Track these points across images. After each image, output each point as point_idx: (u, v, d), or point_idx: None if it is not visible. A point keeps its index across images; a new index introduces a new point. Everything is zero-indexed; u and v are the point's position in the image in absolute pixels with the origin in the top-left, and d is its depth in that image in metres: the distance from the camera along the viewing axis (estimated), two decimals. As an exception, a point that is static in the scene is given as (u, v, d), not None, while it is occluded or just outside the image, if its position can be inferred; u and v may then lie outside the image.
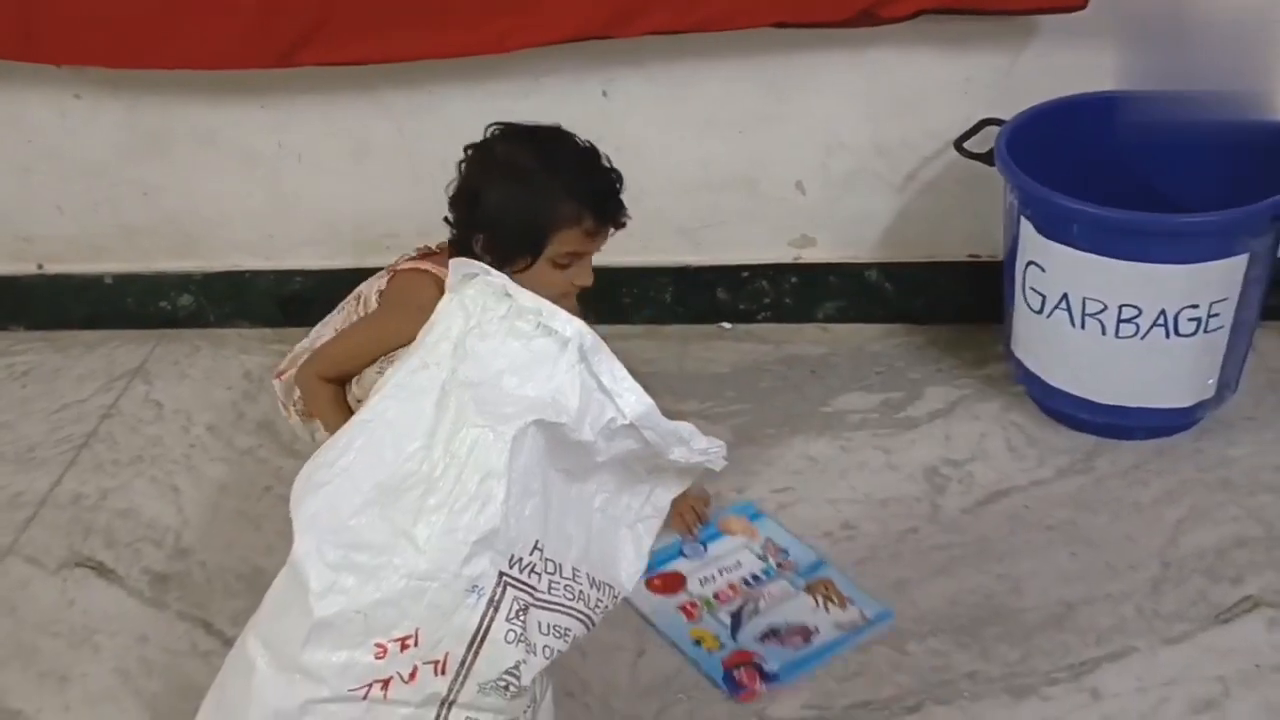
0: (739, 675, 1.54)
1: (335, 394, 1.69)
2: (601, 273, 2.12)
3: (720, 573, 1.71)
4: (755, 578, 1.70)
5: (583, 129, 2.01)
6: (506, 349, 1.23)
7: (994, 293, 1.94)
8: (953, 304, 2.14)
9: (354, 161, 2.11)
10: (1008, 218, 1.84)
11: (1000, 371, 2.01)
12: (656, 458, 1.31)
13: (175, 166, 2.16)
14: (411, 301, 1.62)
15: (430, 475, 1.20)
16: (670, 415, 1.92)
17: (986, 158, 1.84)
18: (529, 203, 1.61)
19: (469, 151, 1.66)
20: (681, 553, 1.74)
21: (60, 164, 2.17)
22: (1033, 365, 1.87)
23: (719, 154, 2.07)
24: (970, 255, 2.12)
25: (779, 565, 1.71)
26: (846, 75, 1.98)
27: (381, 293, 1.73)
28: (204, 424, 2.06)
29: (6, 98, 2.10)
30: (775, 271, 2.17)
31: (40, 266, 2.29)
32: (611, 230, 1.67)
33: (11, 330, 2.35)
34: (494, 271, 1.30)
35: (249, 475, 1.92)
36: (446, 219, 1.68)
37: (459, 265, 1.32)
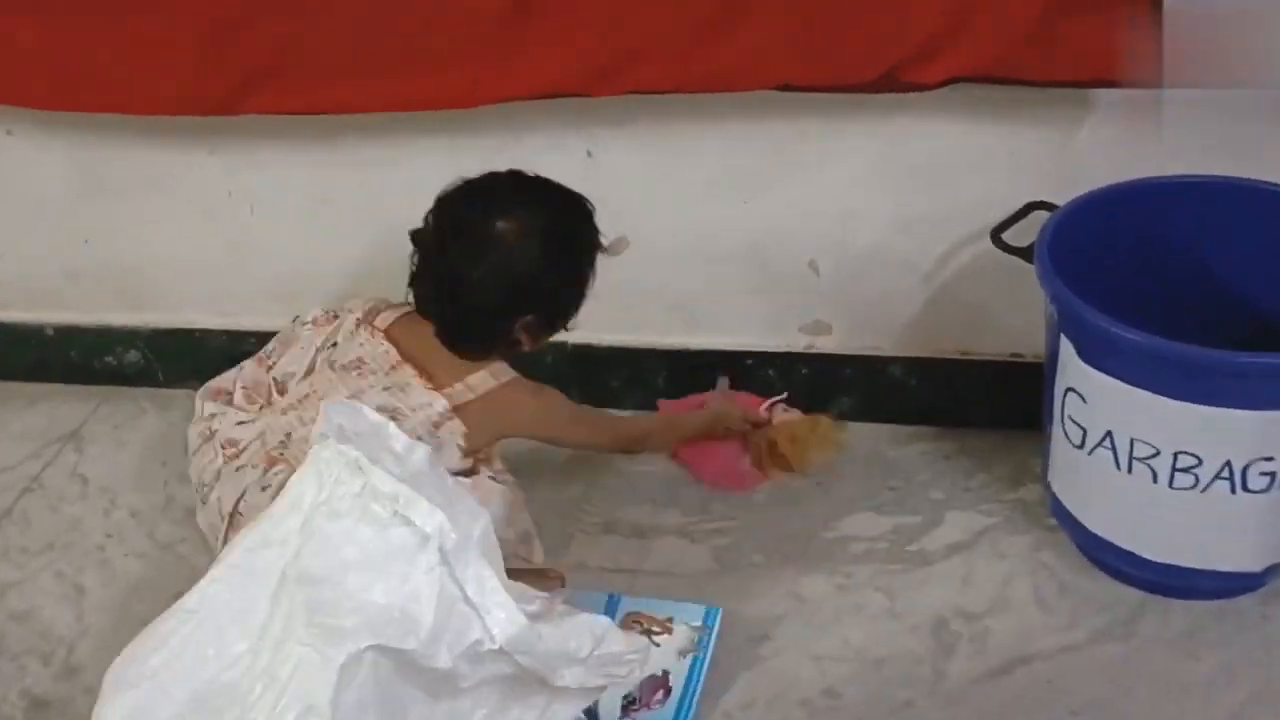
0: None
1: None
2: (587, 352, 1.91)
3: None
4: None
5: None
6: (357, 535, 0.99)
7: (1038, 398, 1.63)
8: (988, 408, 1.85)
9: (311, 213, 1.88)
10: (1049, 328, 1.55)
11: (1037, 495, 1.72)
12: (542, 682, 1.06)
13: (120, 212, 1.95)
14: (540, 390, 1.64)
15: (248, 695, 0.96)
16: (646, 528, 1.73)
17: (1027, 253, 1.55)
18: (583, 264, 1.59)
19: (456, 236, 1.54)
20: None
21: (-3, 205, 1.99)
22: (1071, 504, 1.58)
23: (720, 224, 1.80)
24: (1012, 355, 1.82)
25: None
26: (867, 141, 1.70)
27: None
28: (128, 508, 1.84)
29: (-64, 129, 1.91)
30: (784, 360, 1.89)
31: (-23, 313, 2.11)
32: None
33: (-51, 378, 2.17)
34: (366, 418, 1.06)
35: (164, 577, 1.70)
36: (461, 320, 1.57)
37: (332, 411, 1.08)
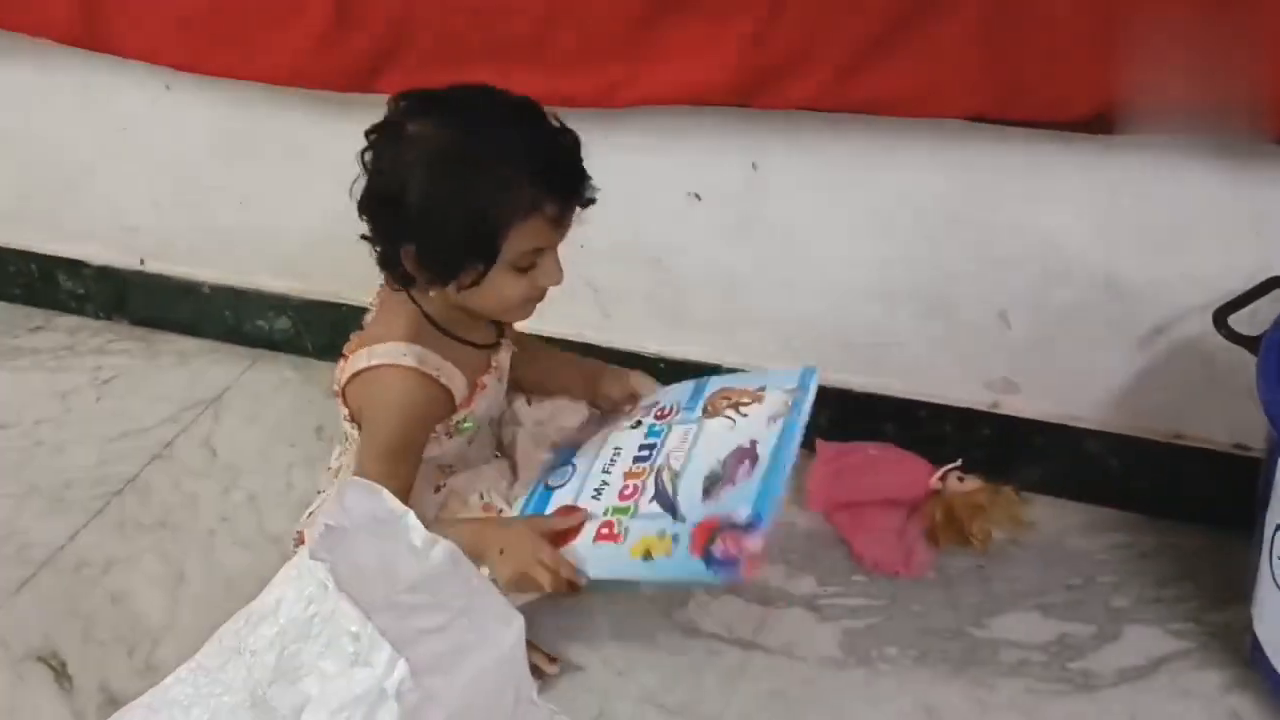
0: (719, 550, 1.18)
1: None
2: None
3: (605, 471, 1.38)
4: (646, 447, 1.38)
5: (725, 207, 1.61)
6: (322, 667, 0.87)
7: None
8: (1201, 502, 1.58)
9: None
10: (1269, 444, 1.28)
11: (1245, 621, 1.44)
12: None
13: (272, 177, 1.89)
14: (403, 403, 1.33)
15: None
16: (773, 593, 1.56)
17: (1253, 343, 1.28)
18: (470, 195, 1.22)
19: (371, 137, 1.30)
20: (548, 487, 1.43)
21: (152, 157, 1.95)
22: (1275, 655, 1.31)
23: (901, 260, 1.58)
24: (1236, 445, 1.54)
25: (659, 418, 1.41)
26: (1081, 183, 1.44)
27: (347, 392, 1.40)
28: (247, 490, 1.79)
29: (100, 78, 1.87)
30: (964, 417, 1.67)
31: (142, 262, 2.09)
32: (579, 210, 1.29)
33: (115, 322, 2.17)
34: (384, 503, 0.93)
35: (264, 574, 1.58)
36: (364, 236, 1.33)
37: (348, 492, 0.96)
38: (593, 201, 1.29)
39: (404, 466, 1.34)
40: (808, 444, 1.70)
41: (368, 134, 1.30)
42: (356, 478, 1.02)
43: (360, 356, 1.35)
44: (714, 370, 1.69)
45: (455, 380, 1.36)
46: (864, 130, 1.47)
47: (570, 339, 1.76)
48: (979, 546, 1.58)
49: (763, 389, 1.39)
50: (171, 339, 2.14)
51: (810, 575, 1.59)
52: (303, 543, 1.48)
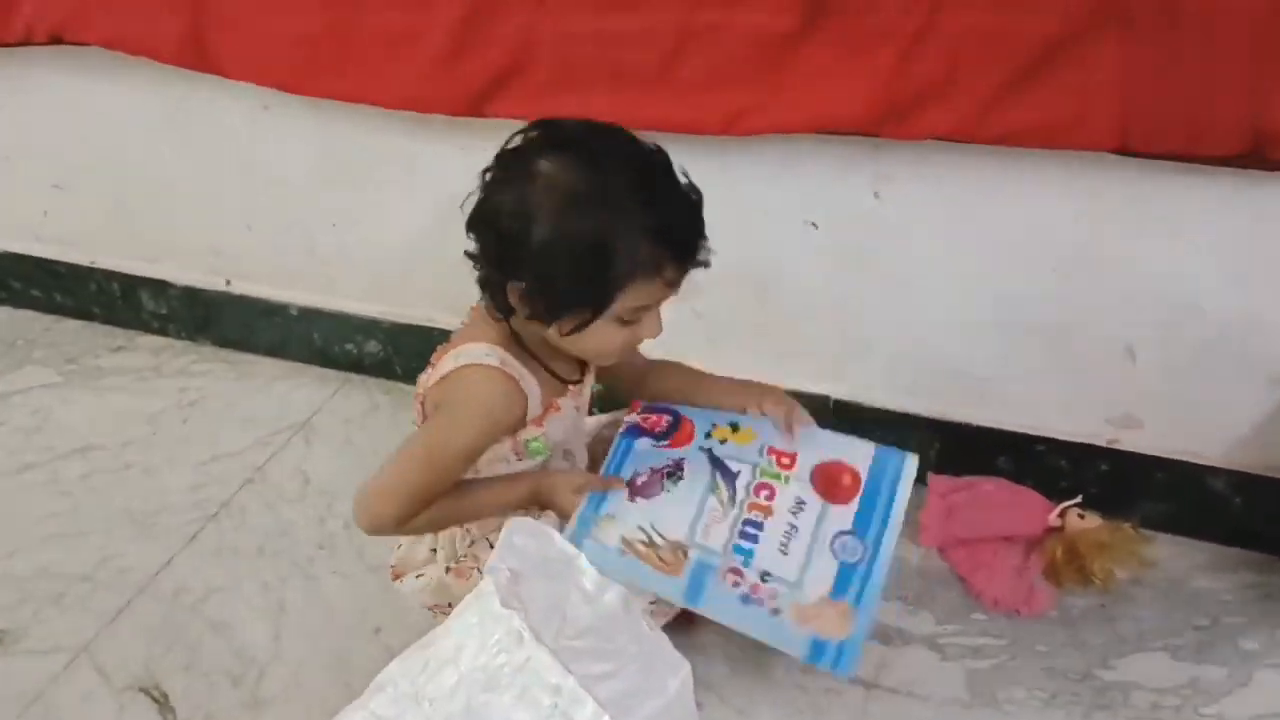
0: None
1: (433, 512, 1.34)
2: (851, 411, 1.71)
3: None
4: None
5: (843, 237, 1.60)
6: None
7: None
8: (1333, 544, 1.56)
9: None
10: None
11: (1383, 666, 1.43)
12: None
13: (366, 199, 1.88)
14: (482, 401, 1.31)
15: None
16: (891, 632, 1.58)
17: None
18: (593, 249, 1.20)
19: (500, 162, 1.27)
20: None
21: (249, 178, 1.94)
22: None
23: (1023, 293, 1.57)
24: (1374, 489, 1.52)
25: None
26: (1221, 216, 1.42)
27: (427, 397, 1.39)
28: (343, 517, 1.78)
29: (197, 97, 1.87)
30: (1081, 452, 1.65)
31: (228, 283, 2.09)
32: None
33: (198, 344, 2.17)
34: (553, 543, 0.92)
35: (365, 605, 1.63)
36: (469, 254, 1.30)
37: (514, 532, 0.95)
38: (707, 265, 1.27)
39: (455, 463, 1.33)
40: (921, 479, 1.70)
41: (498, 157, 1.28)
42: (520, 518, 1.00)
43: (446, 361, 1.35)
44: (821, 402, 1.69)
45: (532, 390, 1.34)
46: (995, 161, 1.45)
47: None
48: (1101, 585, 1.56)
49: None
50: (257, 361, 2.14)
51: (928, 613, 1.57)
52: (396, 578, 1.49)
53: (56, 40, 1.80)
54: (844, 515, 1.35)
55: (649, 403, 1.51)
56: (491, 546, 1.02)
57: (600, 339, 1.28)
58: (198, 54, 1.72)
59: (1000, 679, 1.48)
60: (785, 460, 1.40)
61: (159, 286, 2.14)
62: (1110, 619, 1.55)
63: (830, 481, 1.38)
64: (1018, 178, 1.48)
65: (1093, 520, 1.61)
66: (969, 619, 1.56)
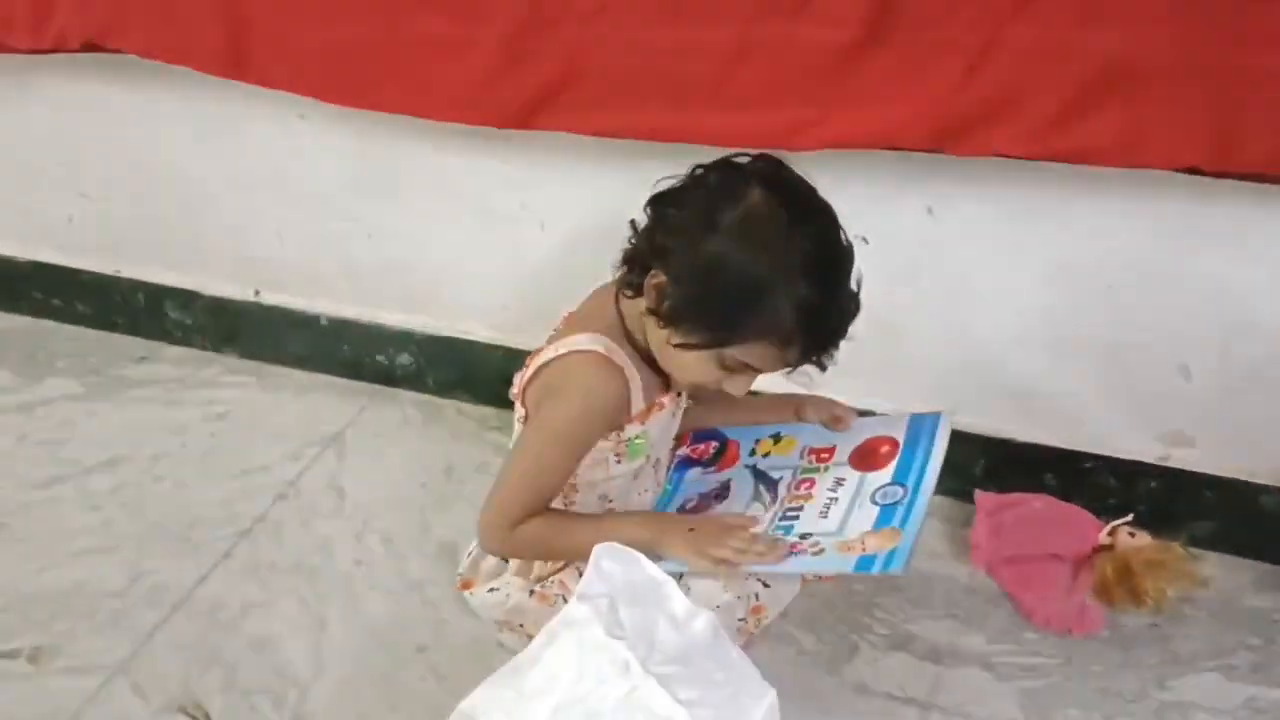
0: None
1: (546, 523, 1.33)
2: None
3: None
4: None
5: (896, 251, 1.59)
6: (617, 751, 0.84)
7: None
8: (1385, 563, 1.56)
9: (605, 239, 1.74)
10: None
11: None
12: None
13: (404, 210, 1.87)
14: (586, 387, 1.30)
15: None
16: (943, 651, 1.57)
17: None
18: (750, 288, 1.21)
19: (715, 169, 1.27)
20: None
21: (281, 187, 1.93)
22: None
23: (1075, 309, 1.57)
24: None
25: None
26: (1277, 236, 1.43)
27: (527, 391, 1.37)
28: (381, 532, 1.77)
29: (229, 106, 1.85)
30: (1131, 469, 1.65)
31: (257, 293, 2.07)
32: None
33: (224, 355, 2.15)
34: (643, 569, 0.91)
35: (407, 622, 1.61)
36: (633, 223, 1.32)
37: (603, 557, 0.94)
38: (824, 368, 1.29)
39: (565, 459, 1.33)
40: (967, 495, 1.70)
41: (719, 165, 1.28)
42: (608, 543, 0.99)
43: (548, 351, 1.34)
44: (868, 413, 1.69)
45: (635, 382, 1.34)
46: (1052, 178, 1.45)
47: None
48: (1153, 605, 1.56)
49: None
50: (285, 373, 2.12)
51: (979, 633, 1.57)
52: (465, 588, 1.47)
53: (91, 48, 1.78)
54: (883, 475, 1.35)
55: (695, 430, 1.52)
56: (580, 574, 1.01)
57: (695, 366, 1.28)
58: (236, 63, 1.70)
59: (1055, 699, 1.47)
60: (824, 455, 1.42)
61: (186, 296, 2.12)
62: (1163, 639, 1.55)
63: (869, 455, 1.39)
64: (1074, 196, 1.48)
65: (1143, 538, 1.60)
66: (1021, 638, 1.56)
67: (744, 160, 1.27)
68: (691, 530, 1.33)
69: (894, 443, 1.41)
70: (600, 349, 1.31)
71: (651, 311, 1.27)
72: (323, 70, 1.68)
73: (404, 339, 2.00)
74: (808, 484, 1.40)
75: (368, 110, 1.70)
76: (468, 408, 2.01)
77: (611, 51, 1.49)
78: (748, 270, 1.21)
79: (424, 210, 1.85)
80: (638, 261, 1.30)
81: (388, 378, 2.05)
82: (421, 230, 1.88)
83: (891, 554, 1.21)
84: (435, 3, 1.55)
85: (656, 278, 1.26)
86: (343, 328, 2.03)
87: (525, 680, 0.90)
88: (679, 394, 1.40)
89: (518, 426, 1.42)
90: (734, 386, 1.29)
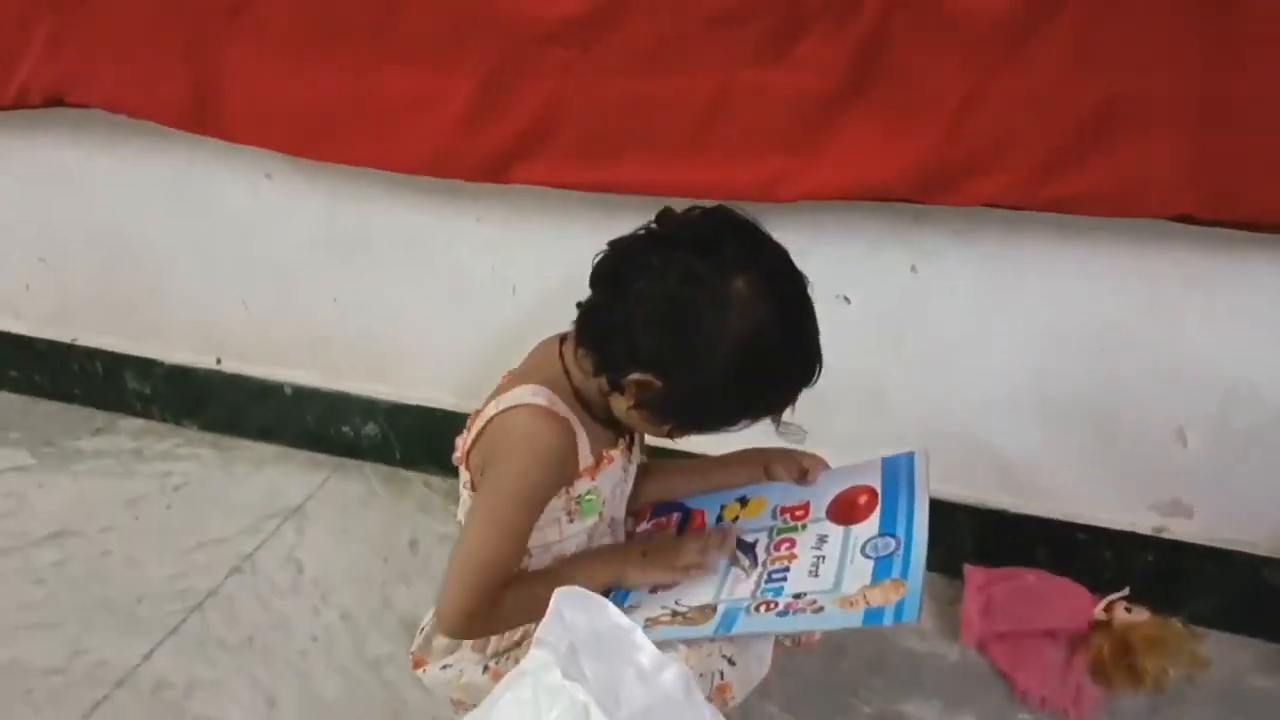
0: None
1: (514, 593, 1.23)
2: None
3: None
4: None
5: (877, 312, 1.54)
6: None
7: None
8: (1395, 642, 1.49)
9: (578, 305, 1.70)
10: None
11: None
12: None
13: (372, 273, 1.81)
14: (530, 440, 1.22)
15: None
16: None
17: None
18: (753, 396, 1.17)
19: (682, 246, 1.15)
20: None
21: (248, 251, 1.87)
22: None
23: (1065, 372, 1.51)
24: None
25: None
26: (1277, 294, 1.38)
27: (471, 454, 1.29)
28: (340, 608, 1.68)
29: (198, 166, 1.81)
30: (1126, 541, 1.57)
31: (219, 361, 2.01)
32: None
33: (184, 427, 2.08)
34: (608, 616, 0.84)
35: (364, 702, 1.52)
36: (584, 306, 1.23)
37: (563, 602, 0.87)
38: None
39: (524, 520, 1.24)
40: (955, 570, 1.62)
41: (677, 238, 1.18)
42: (566, 587, 0.92)
43: (489, 408, 1.26)
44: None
45: (582, 435, 1.26)
46: (1042, 233, 1.41)
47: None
48: (1153, 685, 1.48)
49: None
50: (245, 445, 2.05)
51: (971, 714, 1.48)
52: (417, 666, 1.38)
53: (56, 102, 1.73)
54: (868, 527, 1.28)
55: (656, 504, 1.45)
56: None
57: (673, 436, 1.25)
58: (202, 118, 1.66)
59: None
60: (799, 513, 1.34)
61: (145, 365, 2.05)
62: (1163, 720, 1.47)
63: (847, 507, 1.32)
64: (1064, 252, 1.43)
65: (1140, 615, 1.53)
66: (1005, 710, 1.48)
67: (712, 230, 1.17)
68: (644, 554, 1.28)
69: (871, 491, 1.34)
70: (542, 401, 1.23)
71: (636, 408, 1.21)
72: (291, 125, 1.63)
73: (370, 408, 1.93)
74: (787, 544, 1.33)
75: (337, 164, 1.65)
76: (435, 480, 1.93)
77: (587, 102, 1.45)
78: (747, 380, 1.15)
79: (393, 274, 1.80)
80: (609, 356, 1.20)
81: (353, 449, 1.98)
82: (391, 295, 1.82)
83: (900, 604, 1.14)
84: (406, 55, 1.51)
85: (645, 383, 1.17)
86: (307, 397, 1.96)
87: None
88: (629, 446, 1.33)
89: (464, 495, 1.34)
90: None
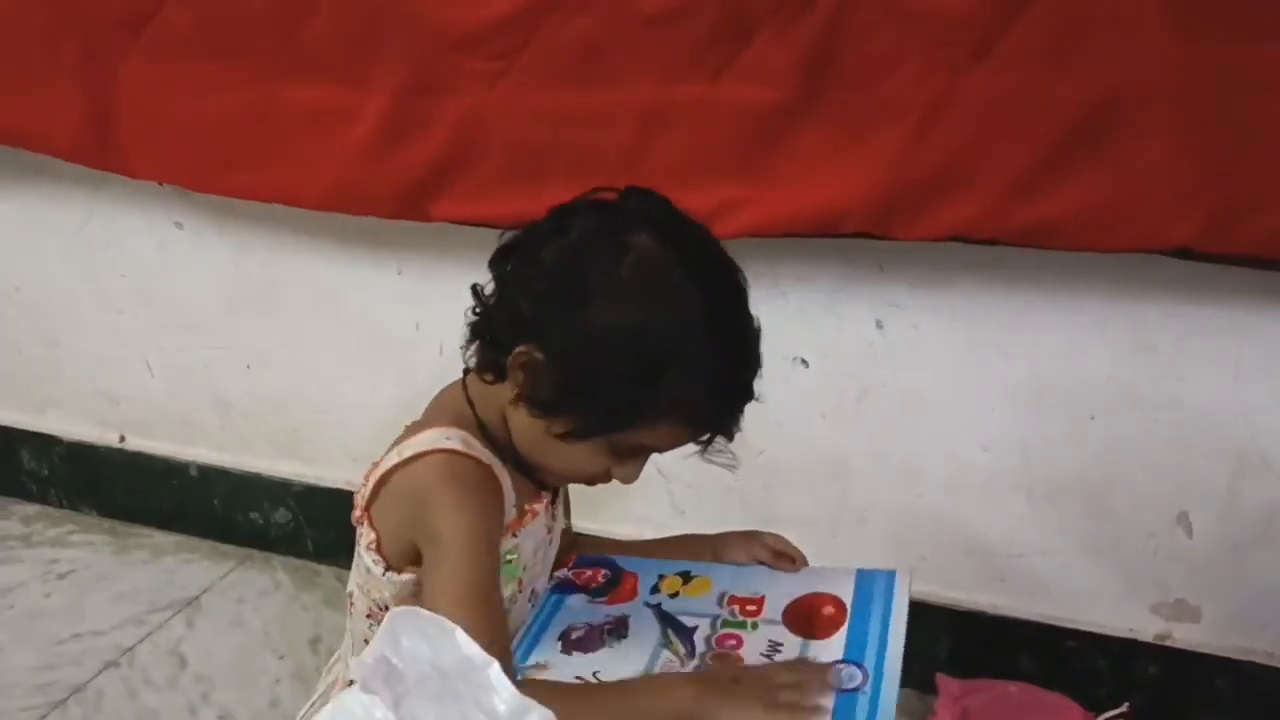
0: None
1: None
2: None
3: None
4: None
5: (837, 376, 1.38)
6: None
7: None
8: None
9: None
10: None
11: None
12: None
13: (285, 333, 1.67)
14: (457, 479, 1.03)
15: None
16: None
17: None
18: (653, 359, 0.96)
19: (581, 207, 1.02)
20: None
21: (153, 309, 1.73)
22: None
23: (1053, 446, 1.35)
24: None
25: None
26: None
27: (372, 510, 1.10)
28: (220, 707, 1.48)
29: (103, 214, 1.68)
30: (1124, 649, 1.39)
31: (122, 439, 1.84)
32: None
33: (81, 512, 1.91)
34: (459, 647, 0.66)
35: (233, 813, 1.33)
36: (477, 290, 1.05)
37: (399, 624, 0.69)
38: (730, 437, 1.05)
39: (494, 582, 1.03)
40: (927, 682, 1.43)
41: (583, 200, 1.03)
42: (406, 608, 0.73)
43: (390, 457, 1.07)
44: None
45: (506, 481, 1.07)
46: (1021, 279, 1.26)
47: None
48: (1156, 817, 1.28)
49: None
50: (145, 533, 1.87)
51: None
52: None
53: (-55, 141, 1.61)
54: (832, 646, 1.08)
55: (582, 555, 1.27)
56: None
57: (580, 458, 1.03)
58: (101, 147, 1.53)
59: None
60: (751, 607, 1.15)
61: (42, 443, 1.88)
62: None
63: (808, 616, 1.12)
64: (1045, 302, 1.28)
65: (1144, 736, 1.34)
66: None
67: (612, 197, 1.03)
68: (737, 682, 1.03)
69: (839, 603, 1.16)
70: (457, 444, 1.05)
71: (521, 397, 1.04)
72: (193, 153, 1.50)
73: (281, 491, 1.75)
74: (733, 641, 1.14)
75: (240, 199, 1.52)
76: (348, 574, 1.74)
77: (512, 120, 1.32)
78: (648, 339, 0.97)
79: (308, 334, 1.65)
80: (494, 337, 1.04)
81: (262, 538, 1.79)
82: (304, 358, 1.66)
83: None
84: (311, 66, 1.38)
85: (525, 355, 1.00)
86: (215, 478, 1.79)
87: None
88: (553, 499, 1.15)
89: (367, 558, 1.16)
90: (627, 474, 1.04)
